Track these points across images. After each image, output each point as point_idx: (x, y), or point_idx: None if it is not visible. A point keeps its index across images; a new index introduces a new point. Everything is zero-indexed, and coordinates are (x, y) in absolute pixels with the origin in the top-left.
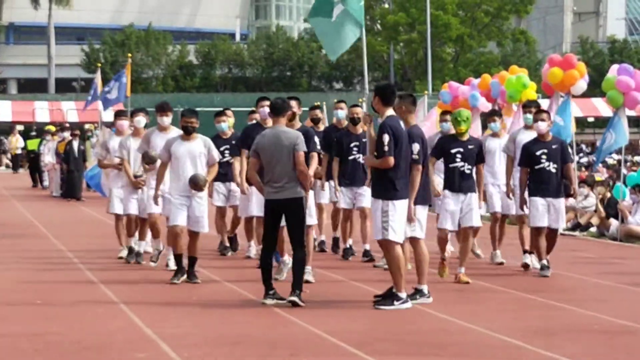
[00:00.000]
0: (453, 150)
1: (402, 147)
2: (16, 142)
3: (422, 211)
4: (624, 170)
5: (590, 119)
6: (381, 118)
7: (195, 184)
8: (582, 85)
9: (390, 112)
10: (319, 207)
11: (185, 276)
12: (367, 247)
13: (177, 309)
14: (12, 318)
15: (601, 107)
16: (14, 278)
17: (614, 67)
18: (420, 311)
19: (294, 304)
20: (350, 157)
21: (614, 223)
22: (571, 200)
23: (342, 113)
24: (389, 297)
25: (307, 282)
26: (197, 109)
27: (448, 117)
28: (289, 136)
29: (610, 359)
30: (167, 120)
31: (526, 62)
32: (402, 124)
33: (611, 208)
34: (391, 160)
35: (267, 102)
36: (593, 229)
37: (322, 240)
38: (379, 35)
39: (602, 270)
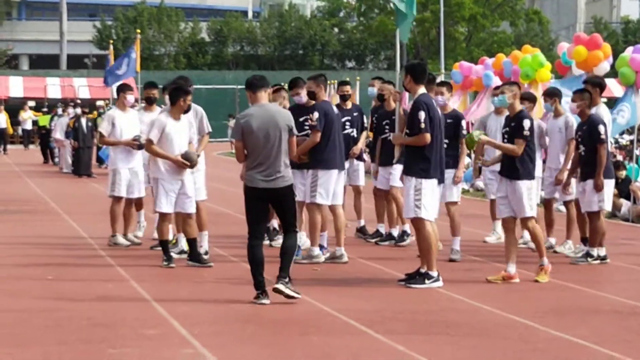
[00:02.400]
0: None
1: (435, 124)
2: (28, 118)
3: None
4: (636, 151)
5: (603, 100)
6: (413, 95)
7: (190, 160)
8: (605, 66)
9: (422, 89)
10: (357, 190)
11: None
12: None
13: (188, 287)
14: (23, 294)
15: (614, 87)
16: (24, 254)
17: (630, 48)
18: (430, 291)
19: (279, 292)
20: (383, 136)
21: (625, 204)
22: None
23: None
24: (420, 275)
25: (344, 262)
26: (209, 86)
27: (499, 91)
28: (285, 116)
29: (621, 339)
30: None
31: (539, 42)
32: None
33: (623, 189)
34: (428, 137)
35: (302, 90)
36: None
37: (363, 226)
38: (391, 14)
39: (614, 251)
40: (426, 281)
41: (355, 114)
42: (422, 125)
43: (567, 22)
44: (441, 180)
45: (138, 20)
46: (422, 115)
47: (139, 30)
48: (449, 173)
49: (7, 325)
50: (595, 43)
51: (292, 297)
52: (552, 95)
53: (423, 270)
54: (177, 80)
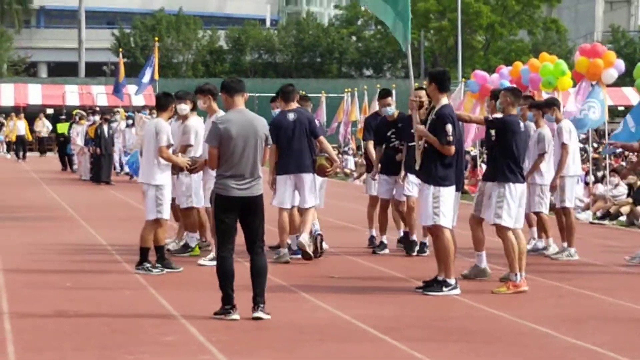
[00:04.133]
0: (389, 133)
1: (458, 135)
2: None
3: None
4: None
5: (621, 108)
6: (436, 104)
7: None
8: (611, 73)
9: (445, 99)
10: (396, 203)
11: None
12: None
13: (206, 293)
14: (41, 300)
15: (632, 96)
16: (43, 260)
17: None
18: (448, 298)
19: (259, 319)
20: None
21: None
22: (601, 189)
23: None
24: (437, 283)
25: (307, 256)
26: None
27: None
28: (262, 124)
29: (639, 347)
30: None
31: (557, 50)
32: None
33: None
34: (453, 149)
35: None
36: (622, 218)
37: (402, 236)
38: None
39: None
40: (444, 289)
41: (399, 124)
42: (450, 138)
43: (585, 31)
44: (458, 188)
45: (156, 28)
46: (449, 128)
47: (157, 38)
48: None
49: (25, 331)
50: (595, 52)
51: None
52: (551, 105)
53: (440, 278)
54: (206, 86)
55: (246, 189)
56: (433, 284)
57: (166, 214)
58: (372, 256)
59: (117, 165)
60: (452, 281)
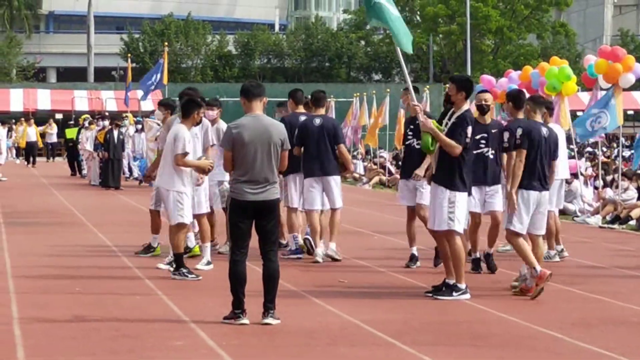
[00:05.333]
0: None
1: (473, 140)
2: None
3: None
4: None
5: (630, 112)
6: (457, 109)
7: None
8: (629, 78)
9: (467, 105)
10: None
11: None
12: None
13: (215, 298)
14: (51, 305)
15: None
16: (52, 265)
17: None
18: (457, 302)
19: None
20: (477, 151)
21: None
22: (610, 193)
23: None
24: (447, 287)
25: (335, 260)
26: (237, 98)
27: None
28: (279, 130)
29: None
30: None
31: (565, 54)
32: None
33: None
34: (459, 151)
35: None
36: (632, 222)
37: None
38: (418, 27)
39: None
40: (454, 293)
41: (494, 130)
42: (468, 140)
43: (594, 35)
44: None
45: (165, 33)
46: (469, 130)
47: (166, 43)
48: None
49: (35, 336)
50: (615, 55)
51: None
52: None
53: (450, 282)
54: (187, 91)
55: (260, 194)
56: (443, 288)
57: (187, 218)
58: (381, 260)
59: (126, 170)
60: (462, 286)
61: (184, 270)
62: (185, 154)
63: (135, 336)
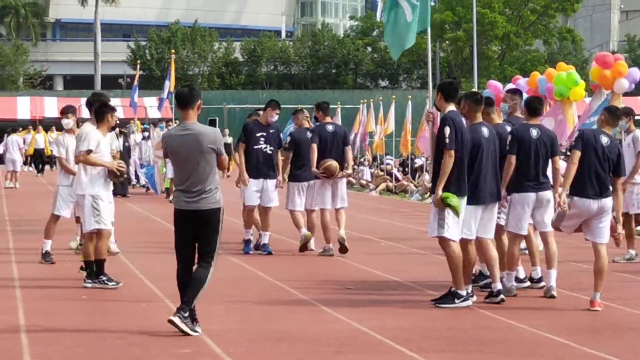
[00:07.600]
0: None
1: (463, 141)
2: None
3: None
4: None
5: (638, 117)
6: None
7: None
8: (623, 84)
9: (451, 107)
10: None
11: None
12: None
13: (221, 305)
14: (57, 313)
15: None
16: (58, 273)
17: None
18: (464, 309)
19: (173, 324)
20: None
21: None
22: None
23: None
24: (450, 295)
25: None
26: (243, 105)
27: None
28: (210, 137)
29: None
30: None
31: (572, 60)
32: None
33: None
34: (452, 153)
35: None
36: None
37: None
38: (424, 33)
39: None
40: (455, 300)
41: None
42: (447, 141)
43: (601, 40)
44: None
45: (172, 40)
46: (447, 130)
47: (173, 51)
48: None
49: (41, 345)
50: (604, 62)
51: (187, 334)
52: (627, 114)
53: (453, 289)
54: (97, 96)
55: (193, 203)
56: (446, 296)
57: (106, 224)
58: (388, 267)
59: (133, 177)
60: (463, 292)
61: (104, 278)
62: (89, 151)
63: (142, 344)
